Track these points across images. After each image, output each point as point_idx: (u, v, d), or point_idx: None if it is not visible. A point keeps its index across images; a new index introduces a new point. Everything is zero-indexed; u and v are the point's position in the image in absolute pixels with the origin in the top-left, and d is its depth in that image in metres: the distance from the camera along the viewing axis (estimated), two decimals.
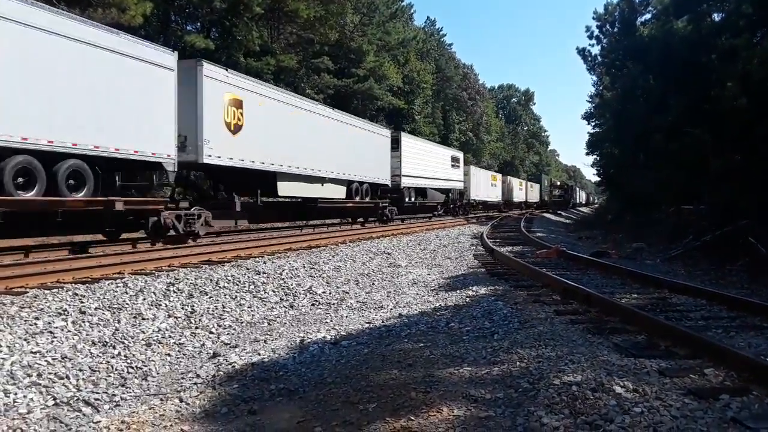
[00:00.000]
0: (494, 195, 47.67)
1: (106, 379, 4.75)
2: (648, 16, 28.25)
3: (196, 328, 6.39)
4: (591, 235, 23.35)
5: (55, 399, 4.25)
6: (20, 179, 8.87)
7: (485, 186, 44.33)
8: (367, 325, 6.47)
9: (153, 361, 5.30)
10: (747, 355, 4.34)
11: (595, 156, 45.33)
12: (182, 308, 6.84)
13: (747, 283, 9.53)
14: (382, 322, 6.62)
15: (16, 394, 4.20)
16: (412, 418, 3.63)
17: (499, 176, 51.73)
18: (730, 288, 8.79)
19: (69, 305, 6.17)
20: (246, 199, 15.47)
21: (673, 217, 19.50)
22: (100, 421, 3.87)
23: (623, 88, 27.72)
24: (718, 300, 7.00)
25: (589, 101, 43.87)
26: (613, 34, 30.72)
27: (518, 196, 58.39)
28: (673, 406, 3.55)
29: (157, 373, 5.03)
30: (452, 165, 33.55)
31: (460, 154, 36.60)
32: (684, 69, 18.96)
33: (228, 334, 6.37)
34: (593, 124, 43.19)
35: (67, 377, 4.61)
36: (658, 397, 3.68)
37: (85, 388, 4.51)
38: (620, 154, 31.57)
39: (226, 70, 13.71)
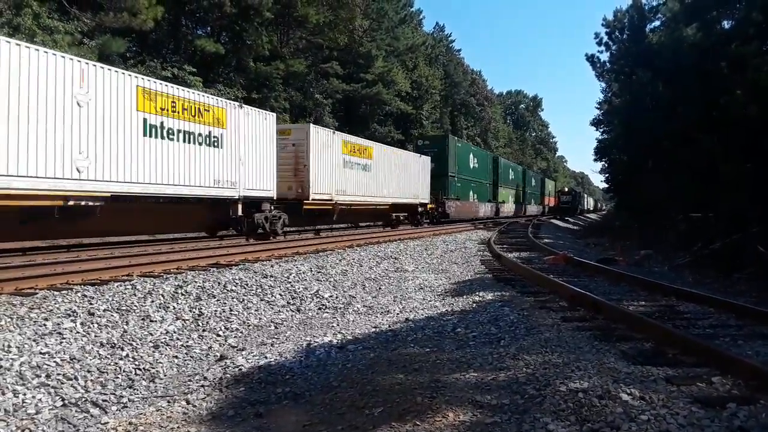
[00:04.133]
0: None
1: (114, 381, 4.78)
2: (657, 23, 28.14)
3: (204, 330, 6.42)
4: (599, 241, 23.27)
5: (63, 400, 4.27)
6: None
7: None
8: (373, 330, 6.47)
9: (160, 363, 5.33)
10: (755, 364, 4.31)
11: (603, 162, 45.07)
12: (190, 311, 6.88)
13: (755, 291, 9.45)
14: (389, 326, 6.62)
15: (25, 394, 4.23)
16: (418, 423, 3.63)
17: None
18: (738, 296, 8.72)
19: (78, 307, 6.22)
20: None
21: (681, 224, 19.39)
22: (107, 422, 3.90)
23: (632, 94, 27.59)
24: (726, 308, 6.95)
25: (597, 108, 43.76)
26: (622, 41, 30.59)
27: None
28: (680, 414, 3.53)
29: (165, 375, 5.06)
30: None
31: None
32: (693, 76, 18.85)
33: (235, 337, 6.40)
34: (602, 130, 42.98)
35: (76, 378, 4.64)
36: (664, 405, 3.66)
37: (93, 389, 4.55)
38: (629, 160, 31.38)
39: None
